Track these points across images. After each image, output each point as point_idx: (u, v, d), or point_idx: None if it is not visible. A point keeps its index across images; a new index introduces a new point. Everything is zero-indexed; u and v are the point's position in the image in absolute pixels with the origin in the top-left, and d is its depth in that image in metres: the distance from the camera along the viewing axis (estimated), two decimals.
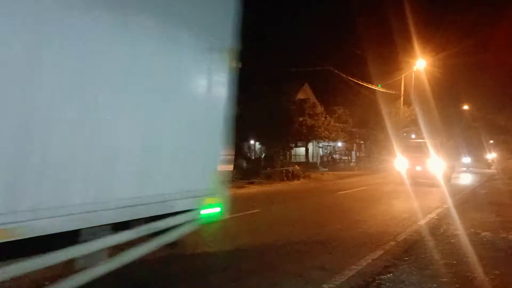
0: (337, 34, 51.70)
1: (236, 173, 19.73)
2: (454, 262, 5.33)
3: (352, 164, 30.64)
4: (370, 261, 5.43)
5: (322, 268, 5.09)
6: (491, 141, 55.30)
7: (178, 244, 4.32)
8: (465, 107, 47.27)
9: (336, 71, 29.10)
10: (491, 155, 36.04)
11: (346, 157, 32.95)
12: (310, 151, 32.20)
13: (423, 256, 5.65)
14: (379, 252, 5.90)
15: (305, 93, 32.13)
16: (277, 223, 8.44)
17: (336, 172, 24.91)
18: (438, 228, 7.73)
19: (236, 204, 10.88)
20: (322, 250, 6.00)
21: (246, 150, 27.99)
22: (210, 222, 4.39)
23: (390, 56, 37.32)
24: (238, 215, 9.39)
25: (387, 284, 4.51)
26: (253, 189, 16.17)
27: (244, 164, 25.47)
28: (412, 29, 26.86)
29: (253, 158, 28.09)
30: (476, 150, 41.93)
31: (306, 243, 6.51)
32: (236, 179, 18.72)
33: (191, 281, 4.61)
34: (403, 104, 36.58)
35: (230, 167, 4.62)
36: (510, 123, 50.48)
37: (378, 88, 33.66)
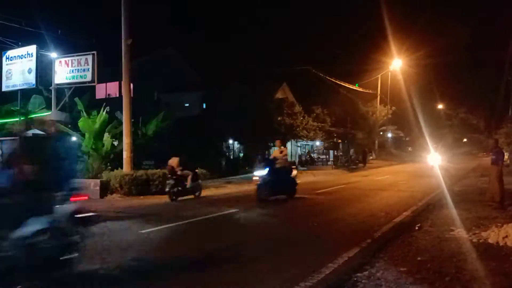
0: (315, 33, 52.15)
1: (215, 172, 19.58)
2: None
3: (330, 163, 30.88)
4: (346, 258, 5.41)
5: (299, 266, 5.04)
6: (465, 140, 56.82)
7: None
8: (440, 106, 48.50)
9: (314, 70, 29.29)
10: None
11: (324, 156, 33.19)
12: (288, 150, 32.20)
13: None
14: (355, 250, 5.89)
15: (283, 93, 32.16)
16: (253, 223, 8.38)
17: (314, 171, 25.04)
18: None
19: (214, 205, 10.75)
20: (298, 249, 5.96)
21: (225, 149, 27.81)
22: None
23: (368, 56, 37.82)
24: (214, 215, 9.29)
25: (363, 281, 4.50)
26: (230, 189, 16.05)
27: (223, 164, 25.30)
28: (389, 29, 27.32)
29: (231, 157, 27.95)
30: (449, 149, 40.19)
31: (283, 242, 6.47)
32: (214, 178, 18.57)
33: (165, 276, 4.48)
34: (380, 103, 37.16)
35: None
36: (482, 122, 52.01)
37: (356, 87, 34.08)
